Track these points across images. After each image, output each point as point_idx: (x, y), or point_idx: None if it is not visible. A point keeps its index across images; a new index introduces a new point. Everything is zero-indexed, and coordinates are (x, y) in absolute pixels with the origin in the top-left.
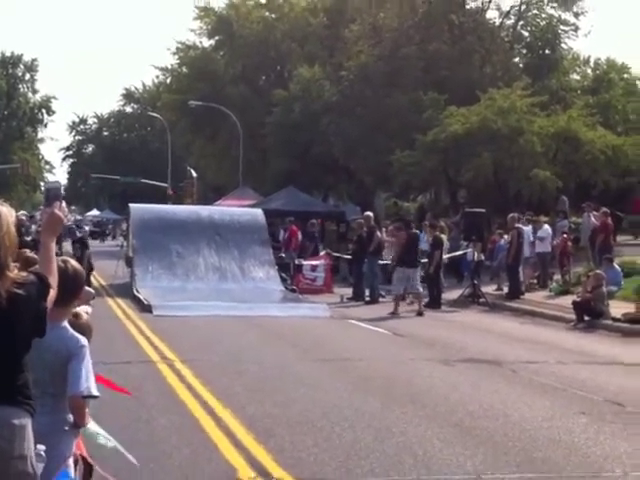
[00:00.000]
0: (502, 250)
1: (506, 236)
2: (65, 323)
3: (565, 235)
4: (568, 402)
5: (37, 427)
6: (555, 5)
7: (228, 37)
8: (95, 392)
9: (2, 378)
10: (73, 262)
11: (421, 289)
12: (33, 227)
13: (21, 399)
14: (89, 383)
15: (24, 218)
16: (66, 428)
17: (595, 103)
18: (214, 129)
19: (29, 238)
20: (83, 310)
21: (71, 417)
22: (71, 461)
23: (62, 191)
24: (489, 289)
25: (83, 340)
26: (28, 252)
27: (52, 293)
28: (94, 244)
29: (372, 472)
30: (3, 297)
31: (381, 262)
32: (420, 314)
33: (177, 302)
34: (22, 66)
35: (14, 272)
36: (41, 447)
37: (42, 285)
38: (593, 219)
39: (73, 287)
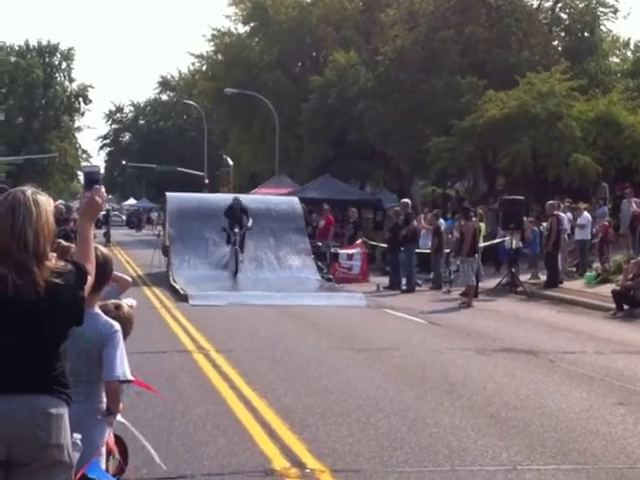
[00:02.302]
0: (535, 238)
1: (545, 223)
2: (97, 309)
3: (607, 222)
4: (606, 392)
5: (70, 415)
6: None
7: (263, 23)
8: (130, 376)
9: (40, 367)
10: (102, 248)
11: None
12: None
13: (59, 388)
14: (124, 368)
15: (62, 207)
16: (99, 417)
17: (635, 86)
18: (250, 116)
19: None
20: (128, 303)
21: (104, 405)
22: (103, 450)
23: (101, 175)
24: (527, 277)
25: (116, 325)
26: (62, 242)
27: (89, 280)
28: (130, 233)
29: (406, 462)
30: (42, 286)
31: (417, 250)
32: (469, 305)
33: (213, 291)
34: (59, 55)
35: (52, 262)
36: (77, 436)
37: (80, 274)
38: (634, 206)
39: (102, 273)
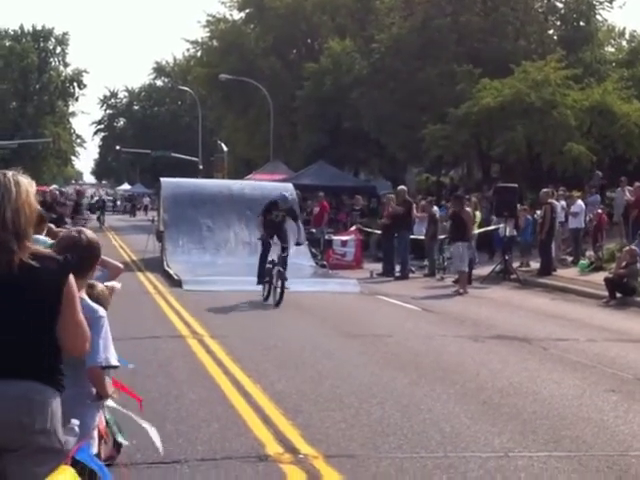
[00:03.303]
0: (528, 225)
1: (538, 211)
2: (83, 294)
3: (600, 210)
4: (598, 380)
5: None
6: None
7: (258, 10)
8: (114, 362)
9: (26, 354)
10: (88, 232)
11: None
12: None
13: (48, 375)
14: (107, 353)
15: (57, 192)
16: (89, 401)
17: (630, 76)
18: (245, 103)
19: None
20: (116, 286)
21: (94, 389)
22: (95, 434)
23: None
24: (518, 265)
25: (101, 310)
26: (53, 227)
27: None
28: (124, 218)
29: (399, 448)
30: (16, 264)
31: (412, 237)
32: (461, 292)
33: (207, 277)
34: (53, 39)
35: (33, 245)
36: (75, 422)
37: (63, 263)
38: (628, 194)
39: (87, 257)
